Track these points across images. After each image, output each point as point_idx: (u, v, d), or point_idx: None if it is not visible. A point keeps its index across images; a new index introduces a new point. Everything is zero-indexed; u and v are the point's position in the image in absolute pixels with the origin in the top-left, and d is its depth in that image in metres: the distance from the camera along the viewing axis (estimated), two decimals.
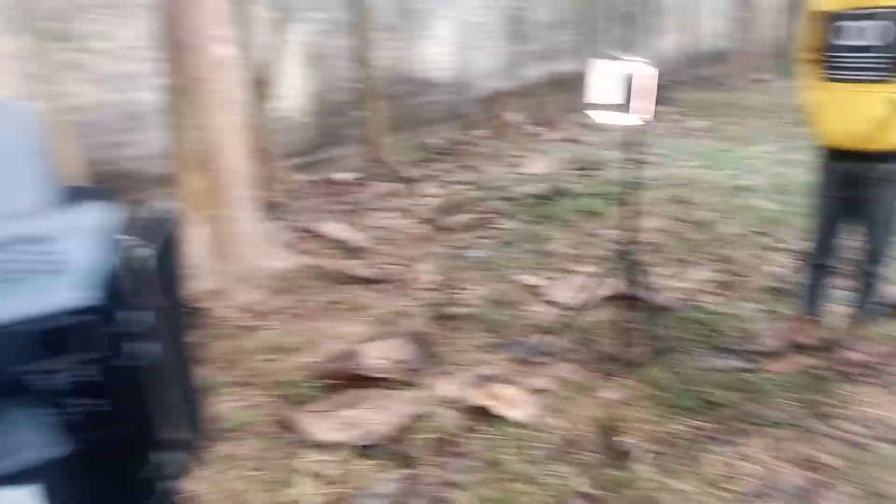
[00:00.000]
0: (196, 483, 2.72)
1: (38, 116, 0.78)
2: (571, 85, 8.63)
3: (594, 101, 3.27)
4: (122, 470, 0.83)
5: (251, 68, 5.22)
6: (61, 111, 4.65)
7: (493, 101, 10.04)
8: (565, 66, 10.98)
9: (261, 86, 5.52)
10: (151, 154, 5.83)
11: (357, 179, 7.23)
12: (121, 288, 0.72)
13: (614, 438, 2.92)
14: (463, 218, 6.18)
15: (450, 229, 5.95)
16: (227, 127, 4.26)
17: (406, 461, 2.86)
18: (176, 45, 4.02)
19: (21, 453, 0.71)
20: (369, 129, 7.44)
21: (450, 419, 3.10)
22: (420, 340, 3.80)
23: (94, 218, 0.81)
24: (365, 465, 2.85)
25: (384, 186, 7.00)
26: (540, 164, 7.85)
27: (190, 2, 3.91)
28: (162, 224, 0.97)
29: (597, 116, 3.32)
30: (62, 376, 0.70)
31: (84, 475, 0.77)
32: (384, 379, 3.36)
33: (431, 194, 7.16)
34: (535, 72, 10.85)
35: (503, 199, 6.65)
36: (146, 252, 0.78)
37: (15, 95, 4.79)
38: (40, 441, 0.72)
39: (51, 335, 0.71)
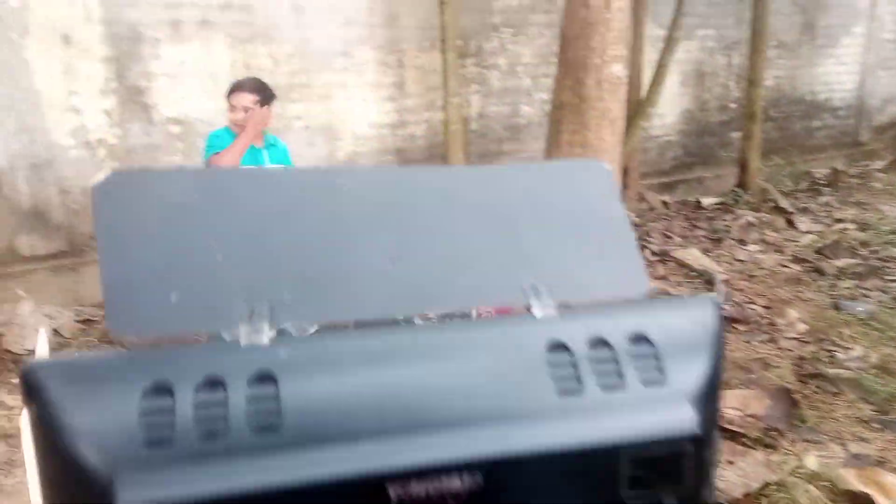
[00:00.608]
0: None
1: (614, 178, 0.73)
2: None
3: None
4: None
5: (635, 86, 5.21)
6: (455, 121, 5.18)
7: None
8: None
9: (641, 104, 5.48)
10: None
11: (723, 205, 6.78)
12: (717, 406, 0.61)
13: None
14: (845, 262, 5.39)
15: (827, 273, 5.24)
16: (606, 146, 4.31)
17: None
18: (573, 63, 4.18)
19: None
20: (744, 152, 6.92)
21: (813, 497, 2.71)
22: (783, 397, 3.40)
23: (699, 315, 0.66)
24: None
25: (753, 216, 6.45)
26: None
27: (596, 21, 4.02)
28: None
29: None
30: None
31: None
32: (739, 434, 3.07)
33: (808, 230, 6.41)
34: None
35: None
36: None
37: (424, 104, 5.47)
38: None
39: (657, 461, 0.62)
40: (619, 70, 4.16)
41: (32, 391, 0.57)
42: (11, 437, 3.09)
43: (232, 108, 3.27)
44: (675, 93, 6.90)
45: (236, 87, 3.32)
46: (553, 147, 4.50)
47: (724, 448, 3.00)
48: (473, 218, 0.67)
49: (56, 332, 4.08)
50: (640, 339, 0.57)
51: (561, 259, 0.66)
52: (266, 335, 0.54)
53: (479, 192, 0.69)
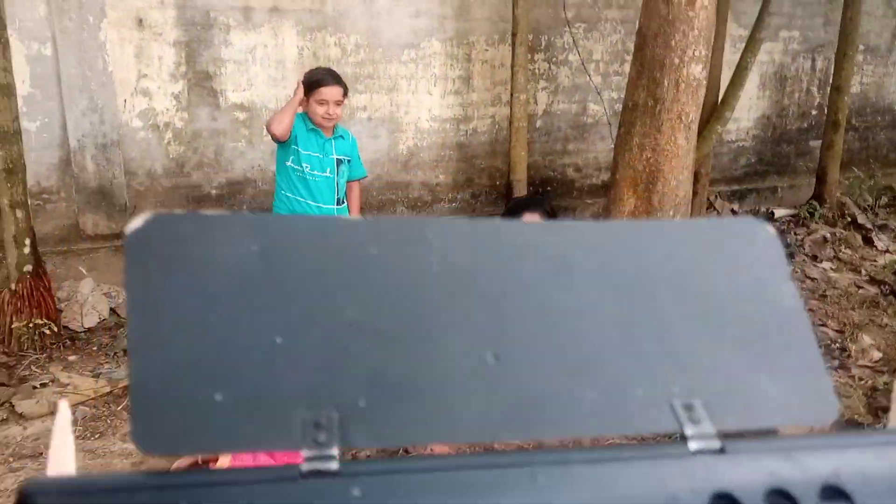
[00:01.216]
0: None
1: (778, 242, 0.53)
2: None
3: None
4: None
5: (711, 88, 4.97)
6: (520, 117, 5.04)
7: None
8: None
9: (717, 108, 5.23)
10: (592, 165, 6.02)
11: (796, 217, 6.45)
12: None
13: None
14: None
15: None
16: (679, 150, 4.11)
17: None
18: (650, 62, 3.99)
19: None
20: (823, 163, 6.57)
21: None
22: (853, 428, 3.18)
23: None
24: None
25: (828, 231, 6.12)
26: None
27: (677, 19, 3.82)
28: None
29: None
30: None
31: None
32: None
33: (886, 249, 6.05)
34: None
35: None
36: None
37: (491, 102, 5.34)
38: None
39: None
40: (698, 71, 3.95)
41: None
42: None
43: (322, 102, 3.16)
44: (753, 96, 6.59)
45: (329, 79, 3.21)
46: (622, 150, 4.32)
47: None
48: (600, 295, 0.48)
49: (114, 311, 4.13)
50: (833, 492, 0.40)
51: (720, 365, 0.47)
52: (333, 461, 0.40)
53: (605, 258, 0.50)
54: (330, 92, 3.17)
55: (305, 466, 0.38)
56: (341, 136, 3.37)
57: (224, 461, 2.72)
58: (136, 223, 0.42)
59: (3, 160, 3.49)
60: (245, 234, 0.46)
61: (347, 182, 3.45)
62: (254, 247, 0.44)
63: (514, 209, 3.47)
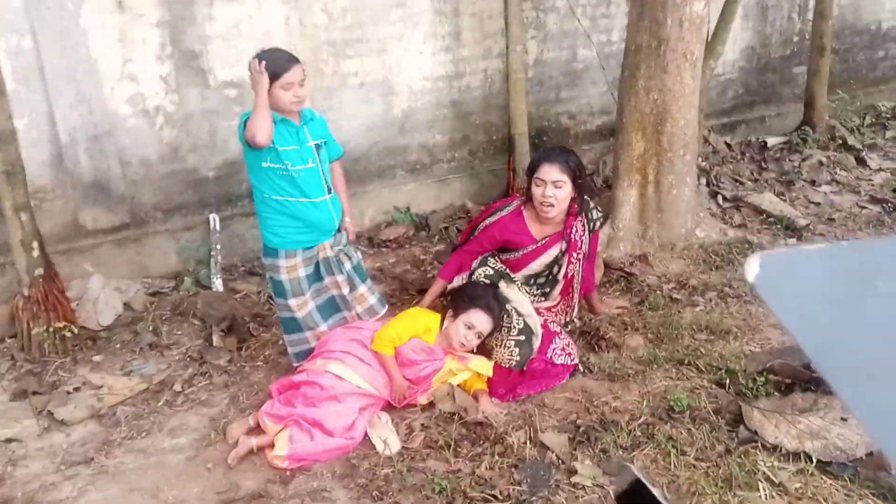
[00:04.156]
0: (639, 460, 2.71)
1: None
2: None
3: None
4: None
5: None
6: (518, 69, 4.95)
7: None
8: None
9: (709, 43, 5.18)
10: (585, 111, 5.97)
11: (788, 144, 6.49)
12: None
13: None
14: None
15: None
16: (686, 89, 4.07)
17: (881, 491, 2.47)
18: (651, 3, 3.92)
19: None
20: (810, 89, 6.58)
21: None
22: None
23: None
24: (830, 484, 2.53)
25: (822, 155, 6.17)
26: None
27: None
28: None
29: None
30: None
31: None
32: None
33: (879, 167, 6.12)
34: None
35: None
36: None
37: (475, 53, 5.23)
38: None
39: None
40: (700, 8, 3.90)
41: None
42: (104, 417, 3.06)
43: (287, 86, 2.89)
44: (737, 27, 6.52)
45: (287, 62, 2.91)
46: (627, 94, 4.27)
47: (834, 403, 2.87)
48: None
49: (127, 305, 4.04)
50: None
51: None
52: None
53: None
54: (294, 74, 2.90)
55: None
56: (311, 119, 3.10)
57: (280, 447, 2.70)
58: (752, 269, 0.42)
59: (3, 162, 3.34)
60: (854, 262, 0.44)
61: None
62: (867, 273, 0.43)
63: (533, 164, 3.42)
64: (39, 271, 3.51)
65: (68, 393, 3.19)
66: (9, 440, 2.90)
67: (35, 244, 3.50)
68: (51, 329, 3.49)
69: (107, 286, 4.05)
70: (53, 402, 3.10)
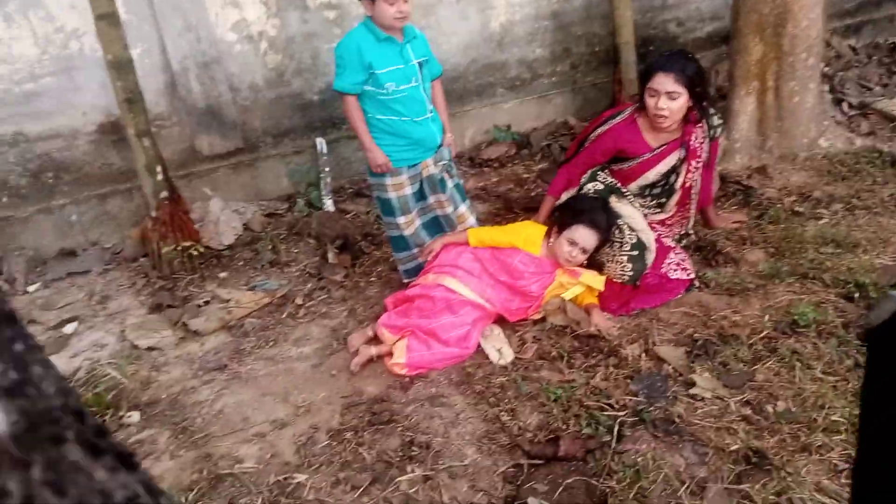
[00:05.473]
0: (761, 374, 2.64)
1: None
2: None
3: None
4: None
5: None
6: None
7: None
8: None
9: None
10: (695, 16, 5.61)
11: None
12: None
13: None
14: None
15: None
16: None
17: None
18: None
19: None
20: None
21: None
22: None
23: None
24: None
25: None
26: None
27: None
28: None
29: None
30: None
31: None
32: None
33: None
34: None
35: None
36: None
37: None
38: None
39: None
40: None
41: None
42: (234, 328, 3.25)
43: (392, 1, 2.81)
44: None
45: None
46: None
47: None
48: None
49: (246, 226, 4.22)
50: None
51: None
52: None
53: None
54: None
55: None
56: (414, 37, 3.02)
57: (399, 355, 2.79)
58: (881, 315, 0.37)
59: (123, 90, 3.50)
60: None
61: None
62: None
63: (646, 72, 3.24)
64: (164, 194, 3.70)
65: (199, 306, 3.40)
66: (150, 349, 3.14)
67: (159, 168, 3.68)
68: (179, 248, 3.70)
69: (226, 208, 4.24)
70: (187, 314, 3.31)
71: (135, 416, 2.70)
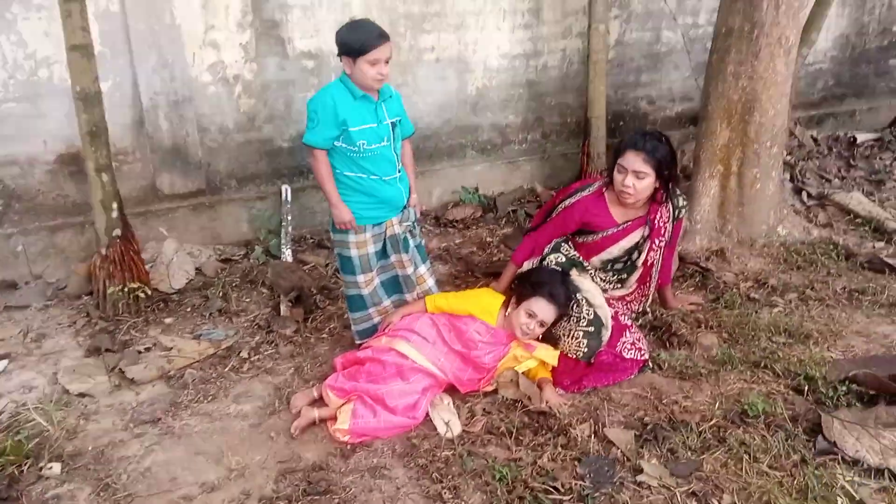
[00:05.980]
0: (708, 464, 2.60)
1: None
2: None
3: None
4: None
5: None
6: (599, 49, 4.79)
7: None
8: None
9: (803, 30, 4.90)
10: (666, 96, 5.76)
11: (880, 141, 6.13)
12: None
13: None
14: None
15: None
16: (777, 77, 3.86)
17: None
18: None
19: None
20: None
21: None
22: None
23: None
24: None
25: None
26: None
27: None
28: None
29: None
30: None
31: None
32: None
33: None
34: None
35: None
36: None
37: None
38: None
39: None
40: None
41: None
42: (173, 379, 3.13)
43: (374, 62, 2.80)
44: (832, 14, 6.16)
45: (378, 38, 2.80)
46: (714, 79, 4.08)
47: None
48: None
49: (199, 270, 4.11)
50: None
51: None
52: None
53: None
54: (382, 51, 2.79)
55: None
56: (389, 96, 3.02)
57: (343, 421, 2.69)
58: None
59: (87, 123, 3.42)
60: None
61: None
62: None
63: (618, 148, 3.28)
64: (117, 232, 3.59)
65: (139, 353, 3.27)
66: (82, 395, 2.99)
67: (114, 205, 3.58)
68: (125, 289, 3.58)
69: (180, 250, 4.13)
70: (125, 360, 3.18)
71: (55, 468, 2.54)
